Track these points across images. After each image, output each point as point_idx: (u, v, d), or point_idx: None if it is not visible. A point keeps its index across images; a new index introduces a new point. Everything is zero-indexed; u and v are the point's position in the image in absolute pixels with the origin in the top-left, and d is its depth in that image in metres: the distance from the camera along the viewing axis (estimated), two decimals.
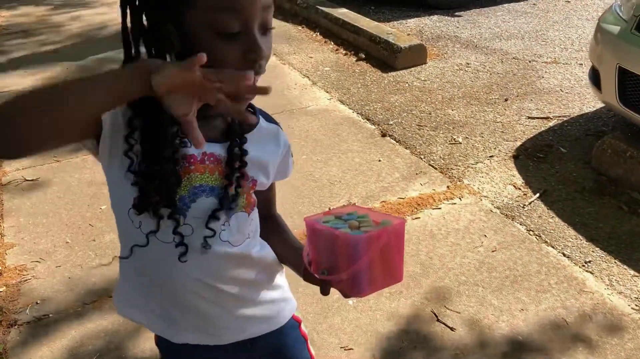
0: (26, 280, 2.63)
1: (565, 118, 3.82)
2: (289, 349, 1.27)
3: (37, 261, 2.75)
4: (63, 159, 3.64)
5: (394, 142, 3.66)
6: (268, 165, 1.11)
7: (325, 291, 1.02)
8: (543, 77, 4.44)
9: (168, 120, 0.91)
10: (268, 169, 1.11)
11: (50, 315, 2.43)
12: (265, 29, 0.92)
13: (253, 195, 1.08)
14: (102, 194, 3.26)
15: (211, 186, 1.02)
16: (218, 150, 1.02)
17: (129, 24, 0.93)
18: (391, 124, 3.86)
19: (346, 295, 1.02)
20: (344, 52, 5.20)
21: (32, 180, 3.44)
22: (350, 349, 2.21)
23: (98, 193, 3.27)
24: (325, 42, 5.48)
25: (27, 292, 2.56)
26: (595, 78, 3.40)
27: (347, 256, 0.95)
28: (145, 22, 0.92)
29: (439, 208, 2.98)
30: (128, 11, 0.92)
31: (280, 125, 1.15)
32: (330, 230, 0.97)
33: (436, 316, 2.33)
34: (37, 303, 2.50)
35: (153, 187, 0.95)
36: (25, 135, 0.79)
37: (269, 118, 1.14)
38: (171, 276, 1.04)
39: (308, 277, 1.07)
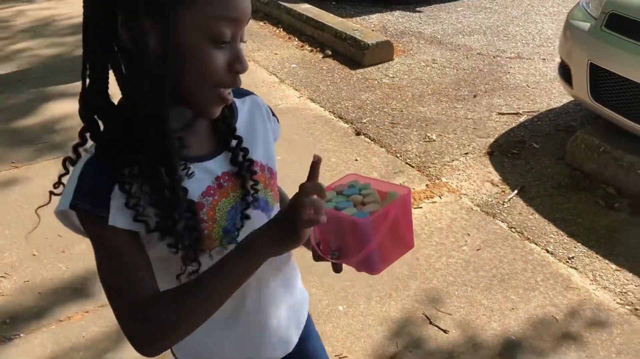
0: None
1: (534, 114, 3.86)
2: (313, 338, 1.28)
3: (2, 277, 2.58)
4: (22, 165, 3.44)
5: (369, 140, 3.62)
6: (269, 145, 1.08)
7: (337, 270, 0.99)
8: (509, 73, 4.49)
9: (173, 178, 0.87)
10: (270, 148, 1.07)
11: (22, 334, 2.28)
12: (241, 41, 0.90)
13: (276, 183, 1.08)
14: None
15: (241, 200, 0.99)
16: (223, 163, 0.98)
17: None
18: (364, 122, 3.82)
19: (359, 270, 0.99)
20: (309, 48, 5.12)
21: None
22: (344, 357, 2.15)
23: None
24: (289, 38, 5.39)
25: None
26: (565, 73, 3.44)
27: (356, 239, 0.92)
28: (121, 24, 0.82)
29: (420, 207, 2.96)
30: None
31: (252, 91, 1.10)
32: (333, 212, 0.92)
33: (428, 319, 2.30)
34: (6, 322, 2.34)
35: (188, 244, 0.92)
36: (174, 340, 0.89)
37: (239, 92, 1.07)
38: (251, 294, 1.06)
39: (317, 257, 1.02)
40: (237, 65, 0.87)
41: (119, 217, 0.85)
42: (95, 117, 0.87)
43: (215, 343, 1.08)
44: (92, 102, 0.87)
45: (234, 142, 0.98)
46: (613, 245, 2.67)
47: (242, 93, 1.07)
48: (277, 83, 4.43)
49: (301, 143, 3.57)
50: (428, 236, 2.75)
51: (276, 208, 1.08)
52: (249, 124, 1.04)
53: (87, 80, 0.86)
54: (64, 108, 4.08)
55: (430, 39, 5.25)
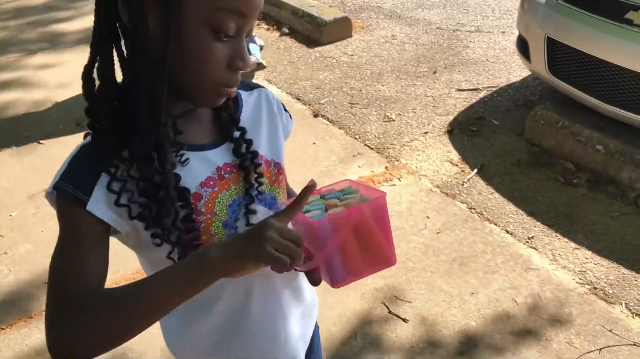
0: None
1: (494, 89, 3.82)
2: (315, 340, 1.21)
3: None
4: None
5: (327, 122, 3.53)
6: (277, 140, 1.02)
7: (313, 282, 0.91)
8: (468, 47, 4.42)
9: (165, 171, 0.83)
10: (278, 144, 1.02)
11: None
12: (247, 36, 0.86)
13: (284, 179, 1.04)
14: (11, 200, 2.94)
15: (244, 193, 0.94)
16: (225, 154, 0.93)
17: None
18: (322, 103, 3.72)
19: (332, 284, 0.90)
20: (265, 26, 4.97)
21: None
22: None
23: (7, 198, 2.95)
24: None
25: None
26: (523, 47, 3.39)
27: (315, 243, 0.85)
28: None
29: None
30: None
31: (263, 86, 1.06)
32: (299, 215, 0.85)
33: (388, 308, 2.25)
34: None
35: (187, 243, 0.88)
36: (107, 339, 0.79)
37: (248, 85, 1.04)
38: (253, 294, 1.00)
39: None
40: (238, 61, 0.82)
41: (98, 205, 0.82)
42: (95, 94, 0.84)
43: (214, 353, 1.02)
44: (93, 78, 0.83)
45: (237, 133, 0.94)
46: (572, 222, 2.65)
47: (251, 87, 1.03)
48: None
49: None
50: None
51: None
52: (254, 117, 0.99)
53: (94, 53, 0.83)
54: (7, 97, 3.87)
55: (390, 14, 5.14)
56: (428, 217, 2.71)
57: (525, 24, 3.36)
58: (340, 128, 3.46)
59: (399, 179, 2.98)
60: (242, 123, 0.95)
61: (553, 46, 3.11)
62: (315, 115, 3.59)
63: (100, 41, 0.82)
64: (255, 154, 0.94)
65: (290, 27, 4.84)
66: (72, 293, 0.79)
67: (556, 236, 2.58)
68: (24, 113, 3.61)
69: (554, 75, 3.15)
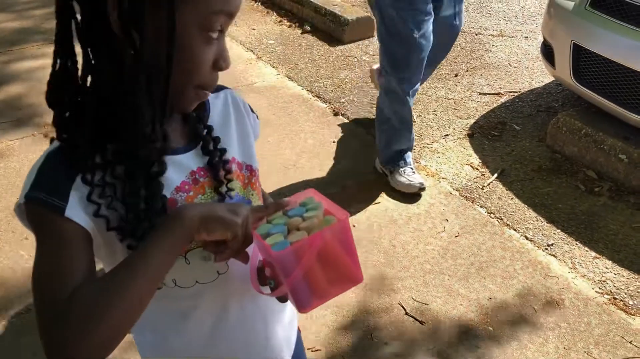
0: None
1: (516, 94, 3.79)
2: (299, 343, 1.19)
3: None
4: None
5: (347, 121, 3.52)
6: (248, 141, 1.01)
7: (280, 300, 0.92)
8: (490, 51, 4.39)
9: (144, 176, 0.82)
10: (249, 145, 1.00)
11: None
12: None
13: (258, 181, 1.02)
14: None
15: (219, 199, 0.92)
16: (198, 158, 0.91)
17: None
18: (343, 102, 3.71)
19: (299, 310, 0.89)
20: (287, 23, 4.97)
21: None
22: (318, 350, 2.09)
23: None
24: (267, 12, 5.23)
25: None
26: (548, 53, 3.36)
27: (279, 270, 0.84)
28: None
29: (398, 192, 2.88)
30: None
31: (228, 87, 1.03)
32: (259, 239, 0.84)
33: (404, 309, 2.24)
34: None
35: None
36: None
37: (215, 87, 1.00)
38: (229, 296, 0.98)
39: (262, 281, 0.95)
40: (221, 62, 0.83)
41: (77, 210, 0.77)
42: (64, 101, 0.81)
43: None
44: (63, 85, 0.80)
45: (204, 132, 0.93)
46: (592, 231, 2.63)
47: (217, 88, 1.00)
48: (254, 60, 4.29)
49: (277, 124, 3.46)
50: (405, 223, 2.69)
51: None
52: (223, 119, 0.98)
53: (59, 61, 0.79)
54: (30, 85, 3.90)
55: None
56: (447, 220, 2.70)
57: (550, 30, 3.33)
58: (360, 127, 3.45)
59: None
60: (212, 127, 0.94)
61: (579, 52, 3.08)
62: (336, 114, 3.59)
63: (87, 46, 0.78)
64: (223, 151, 0.93)
65: (313, 25, 4.84)
66: (64, 294, 0.72)
67: (576, 244, 2.56)
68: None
69: (579, 82, 3.12)
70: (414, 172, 2.84)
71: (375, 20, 2.84)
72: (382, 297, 2.30)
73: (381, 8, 2.66)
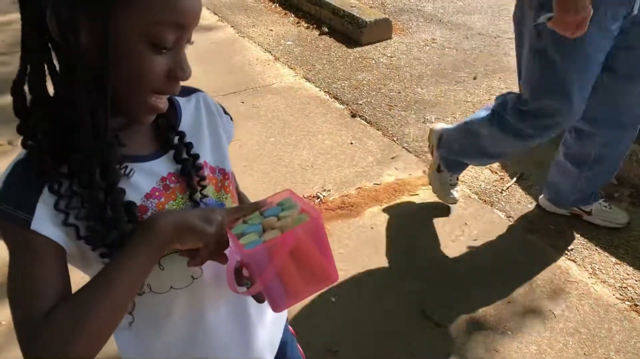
0: None
1: None
2: (287, 346, 1.18)
3: None
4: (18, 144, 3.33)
5: (365, 123, 3.52)
6: (220, 145, 1.00)
7: (257, 300, 0.93)
8: (509, 54, 4.37)
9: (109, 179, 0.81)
10: (221, 148, 0.99)
11: (3, 322, 2.21)
12: (186, 43, 0.83)
13: (231, 184, 1.01)
14: None
15: (192, 205, 0.92)
16: (169, 164, 0.91)
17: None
18: (360, 104, 3.71)
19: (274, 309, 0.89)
20: (305, 25, 4.98)
21: None
22: (335, 351, 2.09)
23: None
24: (285, 13, 5.24)
25: None
26: None
27: (252, 269, 0.85)
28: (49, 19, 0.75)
29: (417, 194, 2.88)
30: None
31: (200, 89, 1.02)
32: (234, 238, 0.84)
33: (424, 313, 2.24)
34: None
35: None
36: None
37: (185, 90, 0.99)
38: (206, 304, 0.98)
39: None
40: (179, 72, 0.80)
41: (43, 223, 0.77)
42: (27, 109, 0.80)
43: None
44: (24, 92, 0.80)
45: (176, 139, 0.92)
46: (613, 237, 2.60)
47: (189, 91, 0.99)
48: (272, 62, 4.30)
49: (295, 125, 3.47)
50: (424, 225, 2.68)
51: None
52: (195, 123, 0.97)
53: (22, 67, 0.79)
54: None
55: (430, 17, 5.11)
56: (466, 224, 2.69)
57: None
58: (378, 129, 3.45)
59: None
60: (182, 129, 0.93)
61: None
62: (353, 115, 3.59)
63: (29, 54, 0.78)
64: (196, 157, 0.92)
65: (330, 27, 4.85)
66: (38, 312, 0.74)
67: (596, 250, 2.54)
68: None
69: None
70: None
71: (520, 39, 2.25)
72: (399, 300, 2.30)
73: (540, 46, 2.09)
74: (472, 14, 5.18)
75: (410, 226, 2.67)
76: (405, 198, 2.85)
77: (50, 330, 0.72)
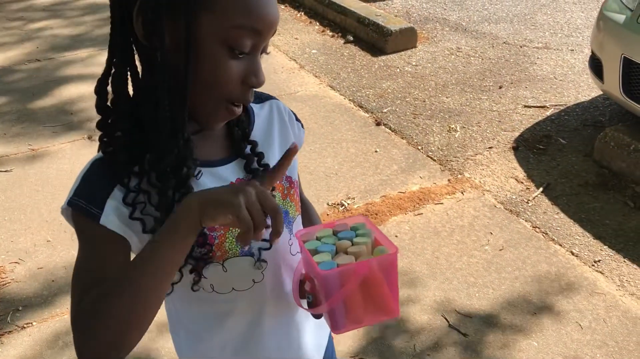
0: (5, 284, 2.44)
1: (561, 107, 3.74)
2: (329, 350, 1.19)
3: (16, 262, 2.56)
4: (39, 147, 3.41)
5: (389, 131, 3.53)
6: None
7: (315, 317, 0.96)
8: (535, 64, 4.35)
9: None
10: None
11: (34, 323, 2.26)
12: (262, 53, 0.85)
13: (296, 193, 1.01)
14: None
15: None
16: (238, 170, 0.92)
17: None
18: (385, 112, 3.72)
19: (333, 330, 0.90)
20: (330, 33, 5.02)
21: (5, 171, 3.21)
22: (359, 358, 2.10)
23: None
24: (311, 22, 5.29)
25: (7, 297, 2.37)
26: (596, 67, 3.31)
27: (321, 289, 0.85)
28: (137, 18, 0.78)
29: (441, 203, 2.88)
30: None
31: (274, 96, 1.04)
32: (307, 255, 0.86)
33: (447, 322, 2.23)
34: (19, 309, 2.32)
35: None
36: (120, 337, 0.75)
37: (259, 97, 1.01)
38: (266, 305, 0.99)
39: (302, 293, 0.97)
40: (252, 78, 0.82)
41: (111, 218, 0.81)
42: (108, 109, 0.83)
43: None
44: (106, 91, 0.83)
45: (248, 148, 0.93)
46: None
47: (262, 98, 1.01)
48: (297, 70, 4.34)
49: (319, 133, 3.49)
50: (449, 234, 2.67)
51: (298, 220, 1.01)
52: (266, 130, 0.98)
53: (107, 67, 0.82)
54: (81, 90, 4.03)
55: (455, 26, 5.11)
56: (491, 233, 2.68)
57: (599, 43, 3.28)
58: (402, 137, 3.45)
59: (462, 193, 2.95)
60: (254, 137, 0.95)
61: (629, 67, 3.03)
62: (378, 124, 3.60)
63: (115, 54, 0.81)
64: (266, 167, 0.93)
65: (355, 35, 4.87)
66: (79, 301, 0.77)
67: (624, 261, 2.51)
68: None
69: (629, 97, 3.07)
70: None
71: None
72: (425, 308, 2.30)
73: None
74: (497, 23, 5.16)
75: (435, 235, 2.67)
76: (430, 207, 2.85)
77: (79, 316, 0.75)
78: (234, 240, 0.89)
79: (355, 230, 0.91)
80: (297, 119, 1.06)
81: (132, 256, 0.85)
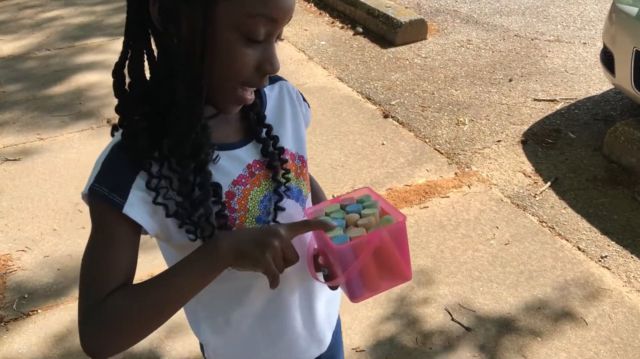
0: (12, 271, 2.46)
1: (572, 101, 3.70)
2: (338, 333, 1.23)
3: (22, 251, 2.58)
4: (47, 136, 3.43)
5: (397, 123, 3.51)
6: (300, 132, 1.03)
7: (331, 288, 1.01)
8: (547, 57, 4.30)
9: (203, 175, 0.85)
10: (300, 135, 1.03)
11: (39, 311, 2.28)
12: (277, 40, 0.86)
13: (307, 171, 1.05)
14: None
15: (273, 190, 0.96)
16: (254, 151, 0.94)
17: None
18: (393, 104, 3.70)
19: (351, 299, 0.94)
20: (340, 25, 4.99)
21: (14, 160, 3.23)
22: (361, 350, 2.10)
23: (86, 175, 3.09)
24: (320, 14, 5.26)
25: (13, 285, 2.39)
26: (607, 60, 3.27)
27: (336, 263, 0.89)
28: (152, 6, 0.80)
29: (448, 197, 2.86)
30: None
31: (282, 77, 1.06)
32: (319, 231, 0.89)
33: (450, 315, 2.22)
34: (24, 297, 2.34)
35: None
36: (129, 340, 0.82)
37: (270, 77, 1.01)
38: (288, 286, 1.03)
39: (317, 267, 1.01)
40: (267, 65, 0.83)
41: (134, 208, 0.82)
42: (126, 92, 0.84)
43: (248, 341, 1.04)
44: (124, 75, 0.84)
45: (263, 132, 0.95)
46: None
47: (272, 80, 1.03)
48: (306, 61, 4.32)
49: (327, 125, 3.48)
50: (454, 228, 2.66)
51: (309, 198, 1.05)
52: (278, 111, 1.00)
53: (124, 52, 0.83)
54: (90, 80, 4.04)
55: (466, 18, 5.06)
56: (497, 227, 2.66)
57: (612, 36, 3.24)
58: (410, 130, 3.43)
59: (468, 186, 2.93)
60: (267, 119, 0.97)
61: None
62: (386, 116, 3.58)
63: (131, 39, 0.82)
64: (282, 151, 0.96)
65: (365, 27, 4.84)
66: (100, 294, 0.80)
67: (632, 257, 2.48)
68: (105, 95, 3.78)
69: None
70: None
71: None
72: (428, 302, 2.29)
73: None
74: (509, 15, 5.11)
75: (441, 228, 2.66)
76: (436, 200, 2.83)
77: (103, 316, 0.79)
78: (253, 219, 0.93)
79: (362, 202, 0.95)
80: (304, 99, 1.08)
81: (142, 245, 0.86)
